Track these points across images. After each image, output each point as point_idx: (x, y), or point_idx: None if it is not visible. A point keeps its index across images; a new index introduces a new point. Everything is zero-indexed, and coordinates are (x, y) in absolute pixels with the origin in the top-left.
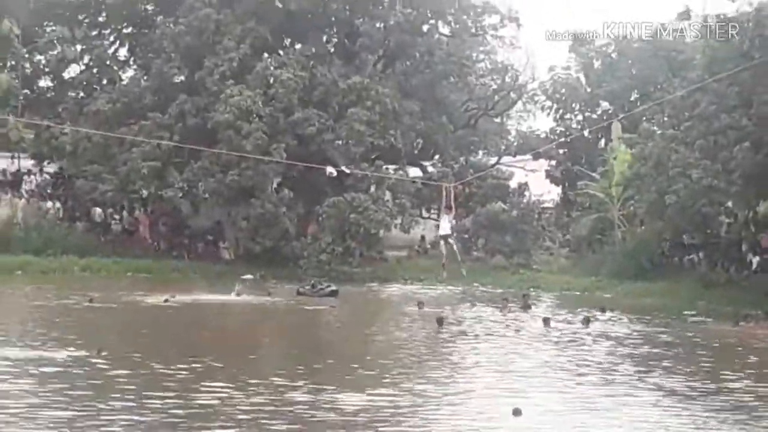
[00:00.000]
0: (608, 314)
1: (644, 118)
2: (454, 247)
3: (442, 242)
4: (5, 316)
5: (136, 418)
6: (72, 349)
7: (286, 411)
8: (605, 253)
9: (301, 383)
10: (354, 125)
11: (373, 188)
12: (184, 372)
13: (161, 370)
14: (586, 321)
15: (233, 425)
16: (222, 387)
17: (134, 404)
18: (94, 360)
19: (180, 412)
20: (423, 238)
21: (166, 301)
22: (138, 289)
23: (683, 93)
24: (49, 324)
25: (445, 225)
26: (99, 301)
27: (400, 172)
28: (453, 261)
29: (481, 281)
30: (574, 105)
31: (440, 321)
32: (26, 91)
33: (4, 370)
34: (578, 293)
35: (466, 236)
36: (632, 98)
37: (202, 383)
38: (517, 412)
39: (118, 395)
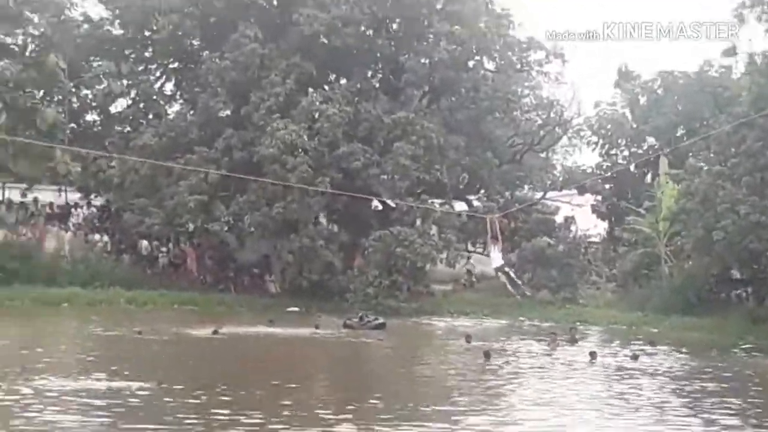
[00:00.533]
0: (657, 348)
1: (690, 154)
2: (511, 274)
3: (499, 273)
4: (60, 349)
5: None
6: (133, 381)
7: None
8: (652, 288)
9: (350, 416)
10: (399, 159)
11: (418, 222)
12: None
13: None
14: (635, 356)
15: None
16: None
17: None
18: (156, 391)
19: None
20: (469, 272)
21: (214, 332)
22: (185, 321)
23: (729, 129)
24: (105, 356)
25: (496, 256)
26: (148, 333)
27: (446, 206)
28: (513, 288)
29: (528, 315)
30: (619, 140)
31: (487, 354)
32: (73, 125)
33: (82, 401)
34: (625, 327)
35: (512, 271)
36: (678, 134)
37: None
38: None
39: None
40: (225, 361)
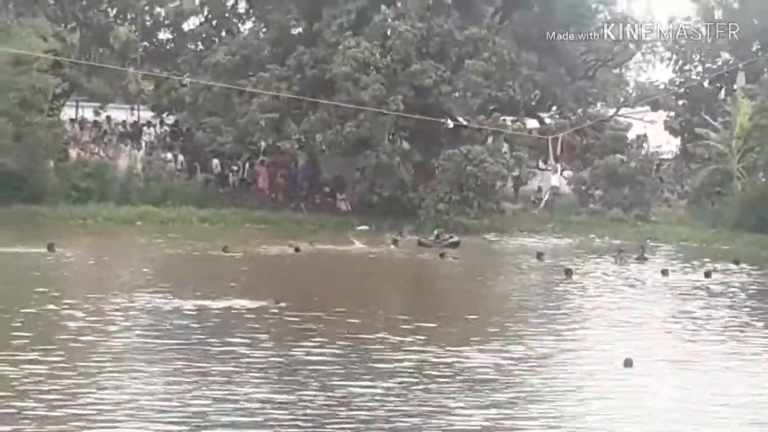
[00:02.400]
0: (741, 266)
1: (766, 69)
2: (555, 201)
3: (548, 194)
4: (154, 267)
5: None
6: (246, 299)
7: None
8: (724, 204)
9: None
10: (471, 77)
11: (489, 140)
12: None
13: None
14: (708, 273)
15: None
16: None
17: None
18: (275, 309)
19: None
20: (540, 189)
21: (296, 250)
22: (262, 239)
23: None
24: (202, 274)
25: (555, 177)
26: (232, 251)
27: (518, 123)
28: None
29: (598, 233)
30: (694, 56)
31: (568, 272)
32: (145, 43)
33: (224, 319)
34: (696, 245)
35: (584, 188)
36: (754, 48)
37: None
38: (628, 363)
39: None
40: (321, 278)
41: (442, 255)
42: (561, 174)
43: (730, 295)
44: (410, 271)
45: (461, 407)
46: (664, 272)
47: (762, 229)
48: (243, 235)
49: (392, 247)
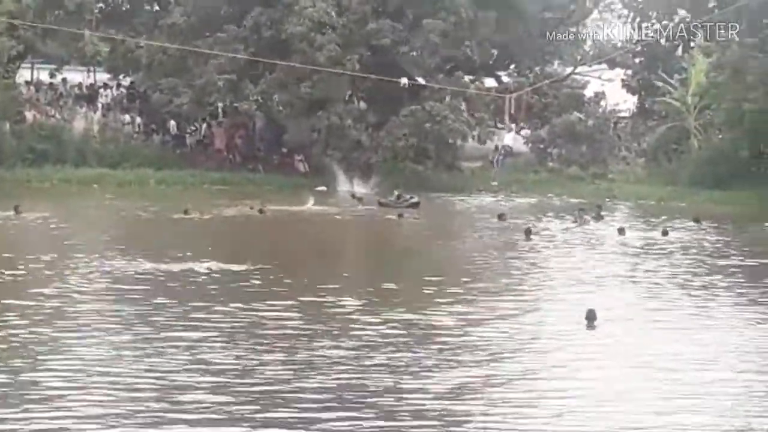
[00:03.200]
0: (700, 224)
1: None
2: (500, 161)
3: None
4: (112, 229)
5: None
6: (213, 261)
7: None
8: (682, 162)
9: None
10: (429, 36)
11: (448, 99)
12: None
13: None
14: (665, 232)
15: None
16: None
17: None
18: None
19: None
20: (497, 148)
21: (260, 212)
22: (222, 200)
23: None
24: (169, 236)
25: (508, 136)
26: (193, 213)
27: (476, 83)
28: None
29: (557, 192)
30: (650, 13)
31: (528, 232)
32: (101, 5)
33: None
34: (654, 203)
35: (542, 146)
36: (710, 5)
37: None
38: (590, 316)
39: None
40: (290, 240)
41: (400, 215)
42: (517, 133)
43: (687, 252)
44: (372, 233)
45: (428, 370)
46: (621, 230)
47: (718, 186)
48: (202, 196)
49: (359, 207)
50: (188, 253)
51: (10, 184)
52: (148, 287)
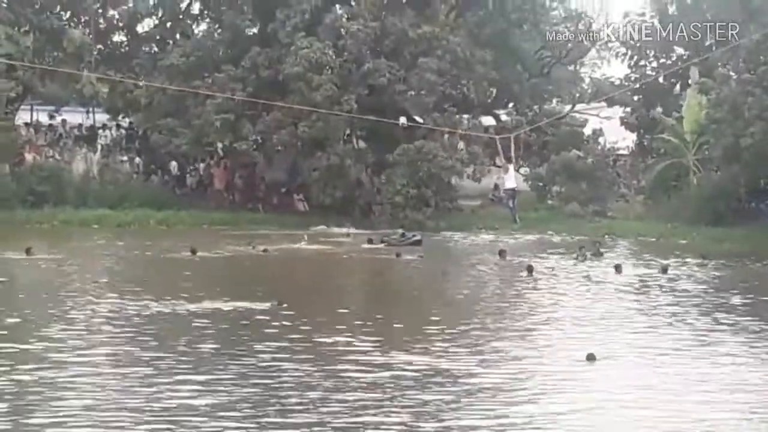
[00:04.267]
0: (709, 262)
1: (719, 64)
2: (510, 204)
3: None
4: (126, 270)
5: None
6: (246, 302)
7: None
8: (681, 199)
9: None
10: (425, 75)
11: (446, 138)
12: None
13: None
14: (664, 269)
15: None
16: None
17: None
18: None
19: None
20: (496, 186)
21: (264, 251)
22: (225, 241)
23: (758, 37)
24: (184, 277)
25: (509, 177)
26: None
27: (474, 121)
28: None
29: (556, 229)
30: (648, 51)
31: (530, 269)
32: (100, 46)
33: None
34: (654, 239)
35: (541, 184)
36: (707, 43)
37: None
38: (591, 358)
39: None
40: (303, 278)
41: (398, 255)
42: (516, 171)
43: (689, 290)
44: (378, 272)
45: (428, 410)
46: (617, 268)
47: (718, 223)
48: (203, 236)
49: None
50: (215, 292)
51: (9, 226)
52: (207, 323)
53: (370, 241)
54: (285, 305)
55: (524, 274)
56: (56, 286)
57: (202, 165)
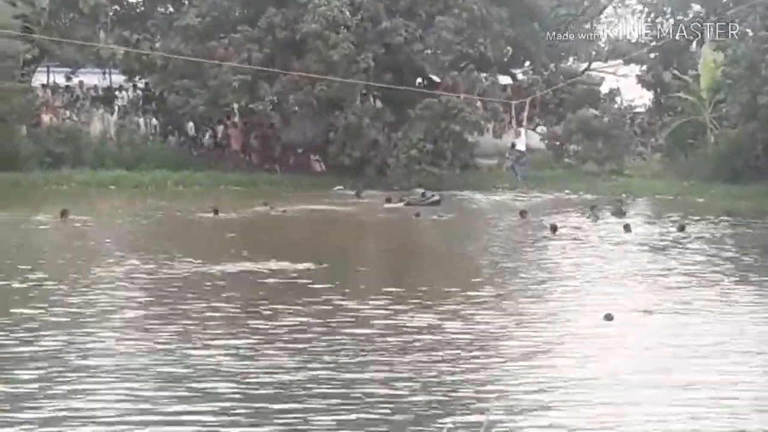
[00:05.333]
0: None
1: (736, 20)
2: (516, 169)
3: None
4: (160, 232)
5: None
6: (274, 260)
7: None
8: (698, 157)
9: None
10: (442, 33)
11: (462, 96)
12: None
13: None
14: (681, 227)
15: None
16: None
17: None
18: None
19: None
20: (513, 145)
21: (283, 212)
22: (244, 201)
23: None
24: (212, 238)
25: (520, 141)
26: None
27: (492, 79)
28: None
29: (573, 188)
30: (665, 8)
31: (554, 228)
32: (116, 6)
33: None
34: (671, 198)
35: (557, 143)
36: (724, 0)
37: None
38: (608, 317)
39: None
40: (329, 237)
41: (417, 214)
42: (532, 130)
43: (707, 248)
44: (403, 232)
45: (459, 370)
46: (626, 227)
47: (735, 180)
48: (221, 197)
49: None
50: (258, 252)
51: (27, 187)
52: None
53: (388, 201)
54: (325, 265)
55: (548, 233)
56: (107, 247)
57: (219, 126)
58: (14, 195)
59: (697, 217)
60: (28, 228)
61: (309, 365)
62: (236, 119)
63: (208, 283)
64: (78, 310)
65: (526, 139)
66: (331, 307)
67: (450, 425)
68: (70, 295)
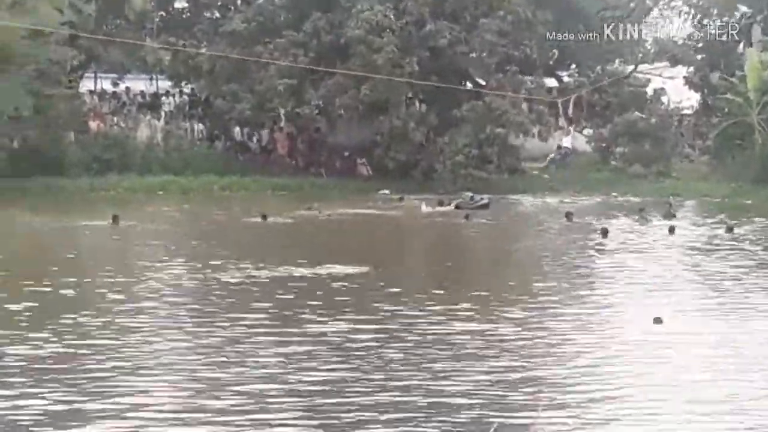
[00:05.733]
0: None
1: None
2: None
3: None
4: (212, 237)
5: None
6: (328, 264)
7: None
8: (745, 158)
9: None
10: (486, 36)
11: (507, 99)
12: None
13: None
14: (730, 228)
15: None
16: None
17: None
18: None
19: None
20: (559, 147)
21: (329, 216)
22: (289, 206)
23: None
24: (265, 243)
25: (566, 139)
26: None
27: (538, 81)
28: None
29: (620, 191)
30: (711, 9)
31: (605, 232)
32: (162, 12)
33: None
34: (718, 200)
35: (604, 145)
36: None
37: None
38: (657, 321)
39: None
40: (382, 242)
41: (467, 217)
42: (579, 132)
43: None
44: (452, 236)
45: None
46: (671, 230)
47: None
48: (269, 202)
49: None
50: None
51: (74, 193)
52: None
53: (440, 204)
54: (381, 269)
55: (599, 236)
56: (160, 252)
57: (265, 131)
58: (61, 200)
59: (745, 219)
60: (82, 233)
61: (362, 368)
62: (282, 124)
63: (258, 288)
64: (133, 315)
65: (573, 140)
66: (386, 313)
67: (497, 425)
68: (137, 298)
